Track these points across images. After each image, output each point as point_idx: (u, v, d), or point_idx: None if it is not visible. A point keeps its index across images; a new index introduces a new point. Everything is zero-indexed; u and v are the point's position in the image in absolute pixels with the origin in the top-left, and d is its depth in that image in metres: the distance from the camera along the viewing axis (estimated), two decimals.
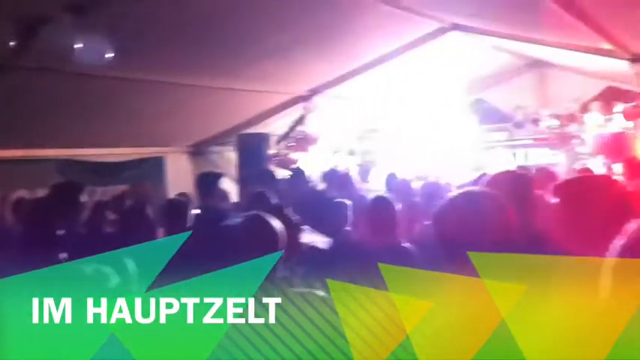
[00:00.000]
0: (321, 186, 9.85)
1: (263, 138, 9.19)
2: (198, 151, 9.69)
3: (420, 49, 8.84)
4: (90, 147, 7.99)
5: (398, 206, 4.49)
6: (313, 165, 10.38)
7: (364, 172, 10.74)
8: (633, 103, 10.01)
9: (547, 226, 2.33)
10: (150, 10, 5.48)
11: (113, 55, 5.16)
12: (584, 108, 11.15)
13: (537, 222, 2.60)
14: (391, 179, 8.54)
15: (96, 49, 5.17)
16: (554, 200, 2.30)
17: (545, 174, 7.35)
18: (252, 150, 9.05)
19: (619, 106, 10.38)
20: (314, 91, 9.32)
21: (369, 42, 8.18)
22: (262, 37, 6.74)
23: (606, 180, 2.43)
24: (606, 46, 7.22)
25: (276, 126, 9.76)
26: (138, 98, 7.24)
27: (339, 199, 6.60)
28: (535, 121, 11.78)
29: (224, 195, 7.16)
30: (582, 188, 2.36)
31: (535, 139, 11.81)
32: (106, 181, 8.11)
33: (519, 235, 1.95)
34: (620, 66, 8.06)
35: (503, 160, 10.65)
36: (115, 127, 7.68)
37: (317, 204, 6.38)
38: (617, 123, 10.44)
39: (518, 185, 2.91)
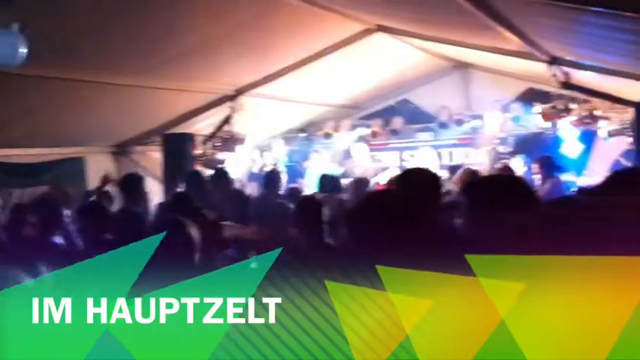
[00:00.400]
0: (248, 186, 9.85)
1: (188, 138, 9.06)
2: (121, 151, 9.47)
3: (346, 50, 8.89)
4: (4, 147, 7.67)
5: (326, 204, 4.51)
6: (240, 165, 10.31)
7: (294, 171, 10.77)
8: (551, 104, 10.35)
9: (457, 223, 2.38)
10: (70, 5, 5.31)
11: (27, 51, 4.95)
12: (506, 108, 11.46)
13: (445, 219, 2.65)
14: (320, 178, 8.54)
15: (9, 45, 4.96)
16: (464, 198, 2.36)
17: (468, 173, 7.52)
18: (177, 150, 8.92)
19: (538, 107, 10.71)
20: (241, 91, 9.23)
21: (295, 42, 8.17)
22: (185, 35, 6.63)
23: (512, 179, 2.48)
24: (525, 48, 7.41)
25: (202, 126, 9.62)
26: (55, 97, 7.00)
27: (266, 199, 6.57)
28: (459, 122, 12.03)
29: (147, 197, 7.03)
30: (486, 187, 2.41)
31: (459, 139, 12.06)
32: (23, 182, 7.82)
33: (426, 233, 1.95)
34: (539, 68, 8.31)
35: (428, 160, 10.79)
36: (31, 127, 7.41)
37: (242, 204, 6.32)
38: (537, 123, 10.79)
39: (427, 183, 2.97)
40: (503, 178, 3.33)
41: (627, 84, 7.73)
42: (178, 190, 6.27)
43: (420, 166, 3.36)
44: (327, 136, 12.38)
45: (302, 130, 12.63)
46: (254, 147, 11.31)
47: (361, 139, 12.28)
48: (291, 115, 11.44)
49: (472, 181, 2.75)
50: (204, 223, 2.97)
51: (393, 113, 12.88)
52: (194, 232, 2.40)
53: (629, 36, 5.05)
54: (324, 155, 11.87)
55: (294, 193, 7.27)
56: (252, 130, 10.29)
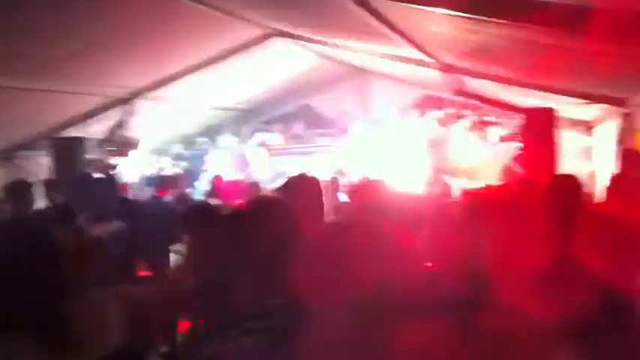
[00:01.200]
0: (144, 190, 9.57)
1: (78, 142, 8.63)
2: (6, 156, 8.92)
3: (245, 54, 8.77)
4: None
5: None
6: (134, 169, 9.98)
7: (189, 176, 10.54)
8: (446, 110, 10.64)
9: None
10: None
11: None
12: (403, 114, 11.69)
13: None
14: (214, 182, 8.38)
15: None
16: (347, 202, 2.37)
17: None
18: (67, 155, 8.48)
19: (434, 113, 11.00)
20: (135, 94, 8.92)
21: (192, 44, 7.97)
22: (75, 35, 6.31)
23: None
24: (421, 56, 7.55)
25: (94, 130, 9.21)
26: None
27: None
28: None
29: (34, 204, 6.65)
30: (363, 192, 2.42)
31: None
32: None
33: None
34: (434, 75, 8.49)
35: (327, 165, 10.84)
36: None
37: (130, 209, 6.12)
38: (433, 128, 11.05)
39: (309, 191, 2.95)
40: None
41: (517, 91, 8.01)
42: (60, 200, 5.95)
43: (303, 174, 3.30)
44: (228, 140, 12.22)
45: (201, 134, 12.41)
46: (150, 151, 11.00)
47: (261, 144, 12.21)
48: (189, 119, 11.20)
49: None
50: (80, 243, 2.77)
51: (294, 118, 12.90)
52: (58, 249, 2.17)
53: (521, 45, 5.22)
54: (222, 160, 11.72)
55: (183, 198, 7.12)
56: (148, 134, 9.97)
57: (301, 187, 2.98)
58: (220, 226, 2.18)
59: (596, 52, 4.75)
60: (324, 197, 3.13)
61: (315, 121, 12.76)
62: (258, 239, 1.82)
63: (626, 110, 6.97)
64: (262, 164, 11.76)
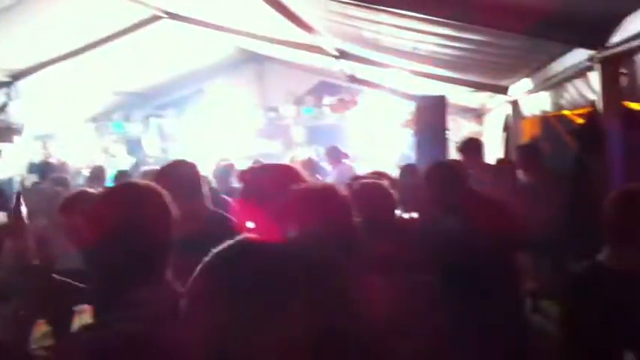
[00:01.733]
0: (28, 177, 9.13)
1: None
2: None
3: (134, 36, 8.46)
4: None
5: None
6: (19, 156, 9.49)
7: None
8: (339, 97, 10.74)
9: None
10: None
11: None
12: (300, 101, 11.72)
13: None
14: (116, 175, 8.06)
15: None
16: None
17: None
18: None
19: (328, 99, 11.08)
20: (16, 77, 8.42)
21: (77, 25, 7.60)
22: None
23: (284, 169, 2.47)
24: (315, 42, 7.55)
25: None
26: None
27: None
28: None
29: None
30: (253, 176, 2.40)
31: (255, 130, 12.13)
32: None
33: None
34: (329, 62, 8.53)
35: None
36: None
37: None
38: (327, 115, 11.15)
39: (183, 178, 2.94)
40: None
41: (409, 79, 8.17)
42: None
43: (182, 160, 3.22)
44: (118, 125, 11.84)
45: (92, 119, 11.95)
46: (34, 137, 10.47)
47: (155, 129, 11.92)
48: (77, 103, 10.71)
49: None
50: None
51: (189, 103, 12.65)
52: None
53: (415, 35, 5.31)
54: (115, 146, 11.36)
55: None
56: (33, 120, 9.45)
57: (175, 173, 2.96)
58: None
59: (480, 41, 4.91)
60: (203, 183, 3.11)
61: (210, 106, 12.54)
62: None
63: (511, 98, 7.26)
64: (156, 150, 11.51)
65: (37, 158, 10.43)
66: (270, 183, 2.23)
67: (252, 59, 12.16)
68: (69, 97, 9.92)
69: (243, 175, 2.45)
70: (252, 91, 12.38)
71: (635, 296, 2.26)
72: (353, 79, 8.74)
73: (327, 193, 2.10)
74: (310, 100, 11.59)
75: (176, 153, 10.62)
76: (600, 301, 2.29)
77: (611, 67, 3.46)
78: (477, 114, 10.17)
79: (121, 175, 7.02)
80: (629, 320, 2.25)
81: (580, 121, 5.59)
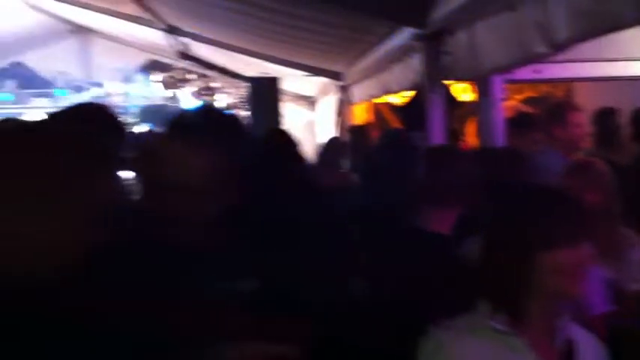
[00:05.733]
0: None
1: None
2: None
3: None
4: None
5: None
6: None
7: None
8: (170, 74, 10.43)
9: None
10: None
11: None
12: (127, 78, 11.21)
13: None
14: None
15: None
16: None
17: None
18: None
19: (158, 76, 10.71)
20: None
21: None
22: None
23: None
24: (143, 14, 7.18)
25: None
26: None
27: None
28: (78, 89, 11.42)
29: None
30: None
31: None
32: None
33: None
34: (159, 38, 8.17)
35: None
36: None
37: None
38: (158, 93, 10.80)
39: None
40: None
41: (242, 59, 8.04)
42: None
43: None
44: None
45: None
46: None
47: None
48: None
49: None
50: None
51: (5, 76, 11.70)
52: None
53: (238, 6, 5.17)
54: None
55: None
56: None
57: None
58: None
59: (316, 21, 4.89)
60: None
61: (29, 80, 11.66)
62: None
63: (342, 84, 7.38)
64: None
65: None
66: None
67: (75, 30, 11.37)
68: None
69: None
70: (75, 65, 11.61)
71: None
72: (184, 55, 8.43)
73: None
74: (139, 78, 11.14)
75: None
76: None
77: (433, 45, 3.54)
78: (310, 101, 10.31)
79: None
80: None
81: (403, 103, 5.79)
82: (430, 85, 3.68)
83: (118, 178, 1.40)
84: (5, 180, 1.09)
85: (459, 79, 3.73)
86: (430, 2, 3.39)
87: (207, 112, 2.89)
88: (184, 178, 1.43)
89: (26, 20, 9.82)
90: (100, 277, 1.16)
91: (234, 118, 2.54)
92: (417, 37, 3.65)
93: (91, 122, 1.57)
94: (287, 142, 3.13)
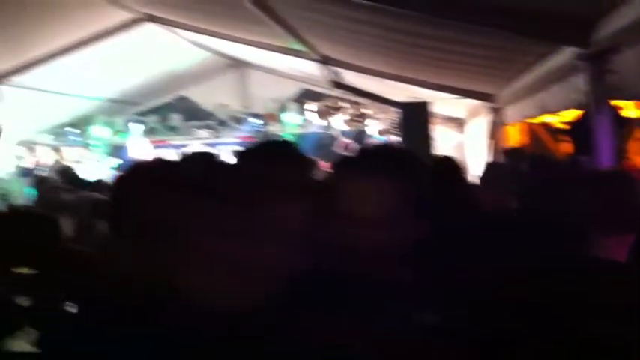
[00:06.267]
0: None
1: None
2: None
3: (115, 40, 8.34)
4: None
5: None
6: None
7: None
8: (324, 103, 10.68)
9: None
10: None
11: None
12: (283, 108, 11.64)
13: None
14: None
15: None
16: None
17: None
18: None
19: (312, 105, 11.01)
20: None
21: (57, 27, 7.48)
22: None
23: None
24: (299, 47, 7.47)
25: None
26: None
27: None
28: (238, 120, 12.00)
29: None
30: None
31: (239, 137, 12.02)
32: None
33: None
34: (312, 68, 8.46)
35: None
36: None
37: None
38: (313, 121, 11.09)
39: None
40: None
41: (392, 85, 8.11)
42: None
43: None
44: (100, 131, 11.71)
45: (72, 125, 11.80)
46: (17, 142, 10.31)
47: (141, 135, 11.84)
48: (57, 108, 10.55)
49: None
50: None
51: (171, 110, 12.55)
52: None
53: (389, 34, 5.24)
54: (96, 151, 11.27)
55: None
56: (13, 123, 9.26)
57: None
58: None
59: (466, 44, 4.85)
60: None
61: (193, 113, 12.45)
62: None
63: (495, 105, 7.22)
64: (145, 156, 11.36)
65: (24, 163, 10.37)
66: None
67: (233, 64, 12.06)
68: (48, 101, 9.79)
69: None
70: (234, 97, 12.28)
71: None
72: (337, 84, 8.64)
73: None
74: (294, 107, 11.55)
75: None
76: None
77: (598, 64, 3.40)
78: (459, 123, 10.16)
79: None
80: None
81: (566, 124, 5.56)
82: (596, 105, 3.53)
83: (311, 208, 1.46)
84: (221, 208, 1.17)
85: (627, 98, 3.55)
86: (592, 22, 3.27)
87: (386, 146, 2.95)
88: (367, 209, 1.47)
89: (191, 57, 10.55)
90: (297, 305, 1.21)
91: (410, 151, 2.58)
92: (581, 57, 3.52)
93: (284, 157, 1.66)
94: (456, 170, 3.12)
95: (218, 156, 3.21)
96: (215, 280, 1.16)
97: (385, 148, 2.03)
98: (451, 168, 3.16)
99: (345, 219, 1.44)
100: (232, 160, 1.71)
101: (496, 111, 7.24)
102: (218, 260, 1.16)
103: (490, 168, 4.48)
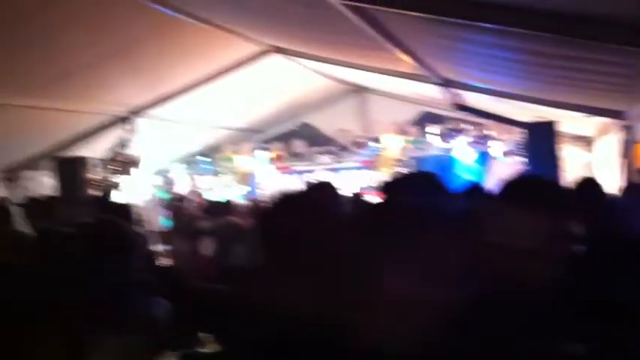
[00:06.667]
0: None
1: (81, 162, 8.59)
2: (9, 176, 8.89)
3: (243, 71, 8.79)
4: None
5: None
6: (136, 188, 9.98)
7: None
8: (445, 126, 10.65)
9: None
10: None
11: None
12: (403, 131, 11.70)
13: None
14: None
15: None
16: None
17: None
18: (69, 174, 8.42)
19: (433, 129, 11.00)
20: (134, 112, 8.93)
21: (190, 62, 7.99)
22: (72, 52, 6.33)
23: None
24: (418, 70, 7.55)
25: (95, 148, 9.21)
26: None
27: None
28: (359, 145, 12.19)
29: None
30: None
31: (360, 162, 12.21)
32: None
33: None
34: (432, 91, 8.50)
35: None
36: None
37: None
38: (433, 145, 11.07)
39: None
40: None
41: (516, 105, 8.01)
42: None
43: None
44: (228, 159, 12.28)
45: (203, 154, 12.46)
46: (152, 171, 11.01)
47: (266, 162, 12.32)
48: (189, 138, 11.21)
49: None
50: None
51: (294, 136, 12.94)
52: None
53: (516, 55, 5.23)
54: (226, 178, 11.80)
55: None
56: (149, 153, 9.95)
57: None
58: None
59: (596, 62, 4.76)
60: None
61: (315, 139, 12.79)
62: None
63: (625, 123, 6.97)
64: (271, 181, 11.89)
65: (160, 192, 11.04)
66: None
67: (354, 90, 12.31)
68: (181, 132, 10.42)
69: None
70: (355, 122, 12.50)
71: None
72: (458, 107, 8.63)
73: None
74: (414, 130, 11.59)
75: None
76: None
77: None
78: (587, 142, 9.82)
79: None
80: None
81: None
82: None
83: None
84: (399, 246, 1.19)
85: None
86: None
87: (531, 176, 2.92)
88: (522, 241, 1.49)
89: (313, 85, 10.89)
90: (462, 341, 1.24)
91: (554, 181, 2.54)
92: None
93: (426, 187, 1.73)
94: (599, 193, 3.04)
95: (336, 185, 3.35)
96: (391, 319, 1.16)
97: (532, 179, 2.01)
98: (594, 192, 3.08)
99: (499, 250, 1.47)
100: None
101: (628, 129, 6.99)
102: (397, 299, 1.16)
103: (630, 189, 4.32)
